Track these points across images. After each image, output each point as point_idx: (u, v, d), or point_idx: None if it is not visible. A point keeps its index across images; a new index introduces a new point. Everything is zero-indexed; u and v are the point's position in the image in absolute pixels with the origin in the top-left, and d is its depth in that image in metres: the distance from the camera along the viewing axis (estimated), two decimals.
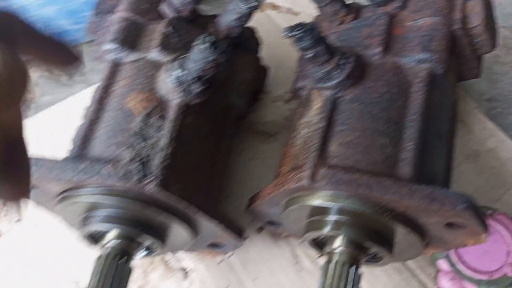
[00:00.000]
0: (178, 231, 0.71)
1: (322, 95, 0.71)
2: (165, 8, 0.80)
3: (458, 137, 0.93)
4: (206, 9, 1.21)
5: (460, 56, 0.77)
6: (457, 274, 0.75)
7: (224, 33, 0.82)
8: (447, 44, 0.70)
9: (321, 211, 0.67)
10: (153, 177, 0.64)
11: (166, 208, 0.67)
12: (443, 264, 0.77)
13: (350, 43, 0.75)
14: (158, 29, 0.77)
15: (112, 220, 0.67)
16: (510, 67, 1.01)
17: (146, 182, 0.63)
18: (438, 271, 0.78)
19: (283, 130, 0.97)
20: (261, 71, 0.95)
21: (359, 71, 0.69)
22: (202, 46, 0.64)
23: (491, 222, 0.77)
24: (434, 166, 0.67)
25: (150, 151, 0.66)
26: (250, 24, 0.86)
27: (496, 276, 0.74)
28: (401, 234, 0.65)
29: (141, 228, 0.68)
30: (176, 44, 0.75)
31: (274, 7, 1.17)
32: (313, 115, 0.73)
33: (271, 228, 0.84)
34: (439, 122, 0.70)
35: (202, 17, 0.84)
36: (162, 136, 0.67)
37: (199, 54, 0.65)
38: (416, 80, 0.69)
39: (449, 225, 0.62)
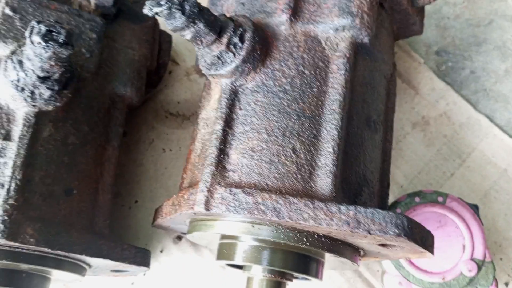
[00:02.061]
0: (57, 272, 0.57)
1: (218, 84, 0.54)
2: None
3: (403, 102, 0.79)
4: None
5: (395, 11, 0.60)
6: (405, 278, 0.63)
7: (93, 3, 0.63)
8: (373, 1, 0.53)
9: (230, 236, 0.53)
10: None
11: (27, 254, 0.52)
12: (388, 265, 0.65)
13: (251, 7, 0.57)
14: None
15: None
16: (462, 9, 0.84)
17: None
18: (384, 272, 0.66)
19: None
20: (162, 41, 0.77)
21: (261, 49, 0.52)
22: (33, 39, 0.46)
23: (443, 212, 0.64)
24: (363, 165, 0.53)
25: None
26: None
27: (450, 277, 0.62)
28: (328, 256, 0.52)
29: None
30: (20, 30, 0.56)
31: None
32: (211, 109, 0.56)
33: None
34: (368, 106, 0.55)
35: None
36: (6, 164, 0.50)
37: (32, 50, 0.46)
38: (335, 54, 0.52)
39: (384, 245, 0.49)
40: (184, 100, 0.84)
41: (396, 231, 0.43)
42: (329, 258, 0.54)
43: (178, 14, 0.46)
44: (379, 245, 0.49)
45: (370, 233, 0.44)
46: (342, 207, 0.45)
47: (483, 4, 0.85)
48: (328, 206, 0.45)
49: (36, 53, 0.46)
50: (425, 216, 0.64)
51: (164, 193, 0.76)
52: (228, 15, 0.55)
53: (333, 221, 0.44)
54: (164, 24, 0.79)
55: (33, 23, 0.46)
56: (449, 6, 0.85)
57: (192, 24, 0.47)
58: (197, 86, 0.85)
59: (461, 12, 0.84)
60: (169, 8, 0.45)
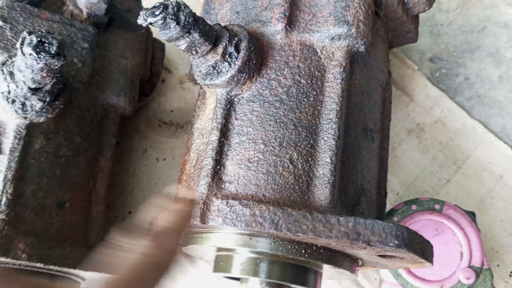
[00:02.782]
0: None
1: (214, 94, 0.54)
2: None
3: (398, 109, 0.78)
4: None
5: (390, 19, 0.60)
6: (403, 287, 0.63)
7: (85, 12, 0.62)
8: (368, 10, 0.53)
9: (227, 248, 0.52)
10: None
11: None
12: (386, 274, 0.64)
13: (246, 16, 0.56)
14: None
15: None
16: (455, 15, 0.84)
17: None
18: (382, 280, 0.66)
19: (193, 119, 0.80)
20: (155, 50, 0.76)
21: (257, 58, 0.52)
22: (24, 50, 0.45)
23: (440, 219, 0.64)
24: (360, 175, 0.52)
25: None
26: None
27: (449, 285, 0.62)
28: (326, 266, 0.51)
29: None
30: (10, 40, 0.55)
31: None
32: (207, 119, 0.56)
33: None
34: (365, 115, 0.54)
35: None
36: None
37: (23, 61, 0.45)
38: (332, 63, 0.52)
39: (383, 256, 0.49)
40: (177, 108, 0.83)
41: (396, 242, 0.43)
42: (327, 269, 0.53)
43: (173, 24, 0.45)
44: (378, 255, 0.48)
45: (369, 245, 0.43)
46: (341, 219, 0.44)
47: (476, 11, 0.85)
48: (327, 217, 0.44)
49: (28, 65, 0.45)
50: (422, 224, 0.64)
51: None
52: (222, 24, 0.55)
53: (332, 233, 0.44)
54: (157, 32, 0.79)
55: (25, 34, 0.45)
56: (442, 13, 0.85)
57: (187, 34, 0.46)
58: (191, 94, 0.84)
59: (454, 19, 0.84)
60: (164, 18, 0.44)
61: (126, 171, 0.77)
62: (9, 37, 0.55)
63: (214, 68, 0.50)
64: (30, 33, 0.45)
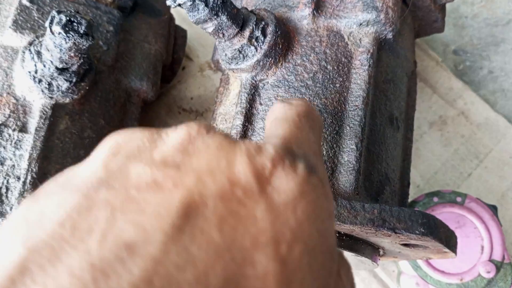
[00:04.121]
0: None
1: (238, 79, 0.54)
2: None
3: (420, 101, 0.77)
4: None
5: (416, 7, 0.59)
6: (423, 279, 0.62)
7: None
8: None
9: None
10: None
11: None
12: (405, 266, 0.64)
13: (272, 1, 0.56)
14: (15, 1, 0.56)
15: None
16: (480, 8, 0.83)
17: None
18: (400, 272, 0.65)
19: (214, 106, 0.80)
20: (177, 36, 0.76)
21: (283, 43, 0.51)
22: (53, 29, 0.45)
23: (461, 212, 0.63)
24: (385, 163, 0.52)
25: (7, 179, 0.49)
26: None
27: (468, 278, 0.61)
28: (347, 255, 0.51)
29: None
30: (37, 21, 0.55)
31: None
32: (230, 104, 0.55)
33: None
34: (391, 103, 0.54)
35: None
36: (22, 157, 0.50)
37: (51, 40, 0.46)
38: (359, 50, 0.51)
39: (407, 245, 0.48)
40: (197, 96, 0.83)
41: (422, 230, 0.42)
42: (347, 258, 0.53)
43: (201, 6, 0.45)
44: (402, 244, 0.48)
45: (395, 232, 0.43)
46: (367, 205, 0.44)
47: (501, 4, 0.84)
48: (352, 204, 0.44)
49: (56, 44, 0.45)
50: (443, 216, 0.63)
51: None
52: (249, 8, 0.54)
53: (357, 219, 0.43)
54: (179, 20, 0.78)
55: (54, 13, 0.45)
56: (467, 5, 0.84)
57: (215, 17, 0.46)
58: (211, 82, 0.84)
59: (479, 11, 0.83)
60: (193, 0, 0.44)
61: None
62: (36, 17, 0.55)
63: (240, 52, 0.50)
64: (59, 12, 0.45)
